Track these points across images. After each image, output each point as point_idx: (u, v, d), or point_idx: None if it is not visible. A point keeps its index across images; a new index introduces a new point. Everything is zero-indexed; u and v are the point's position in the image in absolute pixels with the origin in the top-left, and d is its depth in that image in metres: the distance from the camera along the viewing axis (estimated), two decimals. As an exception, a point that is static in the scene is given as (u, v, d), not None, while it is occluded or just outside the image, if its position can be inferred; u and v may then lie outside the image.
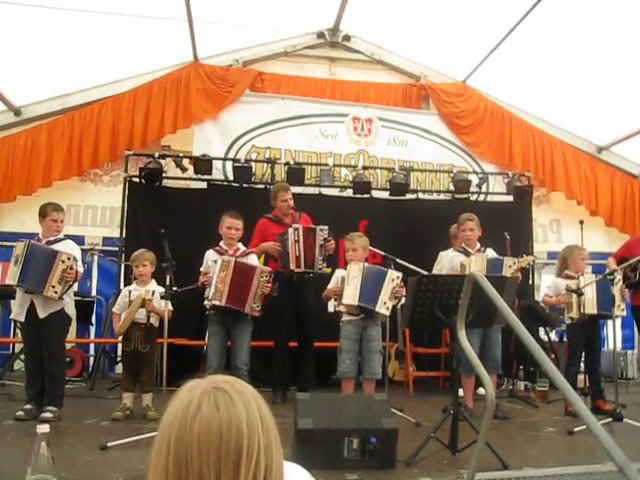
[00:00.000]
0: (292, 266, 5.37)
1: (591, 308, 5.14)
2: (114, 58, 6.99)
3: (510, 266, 5.14)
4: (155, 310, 4.74)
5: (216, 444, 0.94)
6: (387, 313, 4.75)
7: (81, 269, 4.67)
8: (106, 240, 7.35)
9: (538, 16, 6.34)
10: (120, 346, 5.24)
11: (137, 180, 6.86)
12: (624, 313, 5.33)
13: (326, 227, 5.49)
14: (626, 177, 8.64)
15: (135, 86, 7.42)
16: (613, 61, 6.57)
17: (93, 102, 7.36)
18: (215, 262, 4.82)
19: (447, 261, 5.43)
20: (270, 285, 4.89)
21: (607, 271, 5.46)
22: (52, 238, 4.71)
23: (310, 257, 5.42)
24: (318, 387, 5.50)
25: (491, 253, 5.37)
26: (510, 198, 7.70)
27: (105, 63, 7.03)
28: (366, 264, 4.89)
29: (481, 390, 5.74)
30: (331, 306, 4.90)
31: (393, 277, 4.74)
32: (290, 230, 5.43)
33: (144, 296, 4.72)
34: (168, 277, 4.25)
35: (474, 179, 7.81)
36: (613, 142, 8.45)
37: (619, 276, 5.26)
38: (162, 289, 4.52)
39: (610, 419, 4.53)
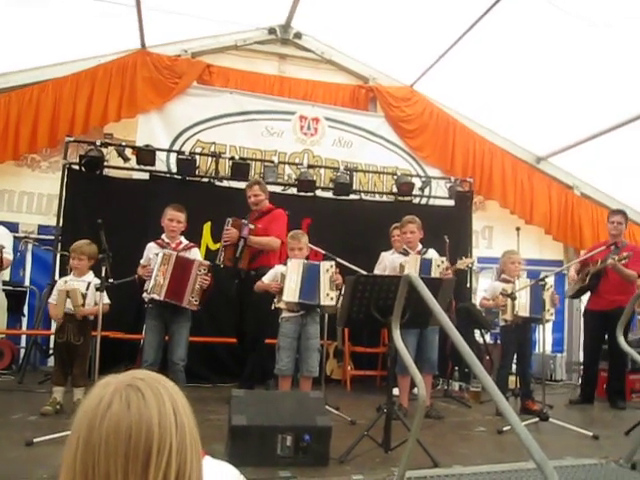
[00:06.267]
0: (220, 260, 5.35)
1: (524, 311, 5.31)
2: (58, 39, 6.72)
3: (439, 265, 5.25)
4: (84, 313, 4.61)
5: (124, 445, 0.91)
6: (333, 303, 4.69)
7: (10, 256, 4.47)
8: (42, 228, 7.11)
9: (485, 27, 6.51)
10: (52, 338, 5.07)
11: (77, 168, 6.67)
12: (553, 318, 5.55)
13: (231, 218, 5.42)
14: (562, 187, 8.94)
15: (79, 70, 7.17)
16: (555, 74, 6.79)
17: (33, 84, 7.06)
18: (157, 255, 4.73)
19: (389, 262, 5.54)
20: (209, 279, 4.83)
21: (540, 277, 5.66)
22: None
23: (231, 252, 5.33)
24: (255, 384, 5.47)
25: (432, 254, 5.48)
26: (451, 203, 7.88)
27: (48, 44, 6.76)
28: (305, 261, 4.88)
29: (417, 390, 5.84)
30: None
31: (326, 267, 4.76)
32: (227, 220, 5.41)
33: (67, 289, 4.57)
34: (104, 268, 4.14)
35: (417, 182, 7.94)
36: (551, 153, 8.72)
37: (550, 282, 5.47)
38: (98, 281, 4.40)
39: (537, 419, 4.69)
